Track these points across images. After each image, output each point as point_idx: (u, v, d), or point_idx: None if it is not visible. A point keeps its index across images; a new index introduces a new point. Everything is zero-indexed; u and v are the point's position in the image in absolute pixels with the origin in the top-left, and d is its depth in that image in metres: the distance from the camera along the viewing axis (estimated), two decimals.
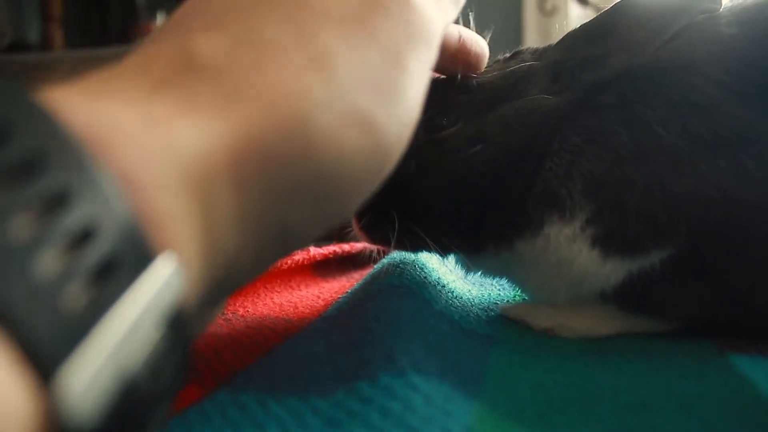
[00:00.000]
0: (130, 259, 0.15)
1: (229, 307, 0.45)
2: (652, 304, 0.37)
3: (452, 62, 0.37)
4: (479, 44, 0.38)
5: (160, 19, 2.31)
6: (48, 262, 0.13)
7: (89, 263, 0.14)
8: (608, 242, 0.35)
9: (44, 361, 0.13)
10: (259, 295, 0.49)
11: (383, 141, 0.24)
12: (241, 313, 0.44)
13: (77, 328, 0.13)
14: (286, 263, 0.53)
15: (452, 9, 0.31)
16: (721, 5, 0.36)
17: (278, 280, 0.54)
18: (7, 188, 0.13)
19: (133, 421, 0.15)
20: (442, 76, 0.41)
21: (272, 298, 0.48)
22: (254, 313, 0.44)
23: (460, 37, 0.36)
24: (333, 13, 0.23)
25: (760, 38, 0.34)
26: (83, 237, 0.14)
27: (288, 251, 0.25)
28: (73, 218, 0.14)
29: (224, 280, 0.21)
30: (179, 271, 0.17)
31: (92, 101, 0.17)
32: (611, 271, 0.35)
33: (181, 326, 0.17)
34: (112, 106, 0.18)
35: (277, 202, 0.21)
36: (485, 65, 0.39)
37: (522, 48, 0.43)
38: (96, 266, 0.14)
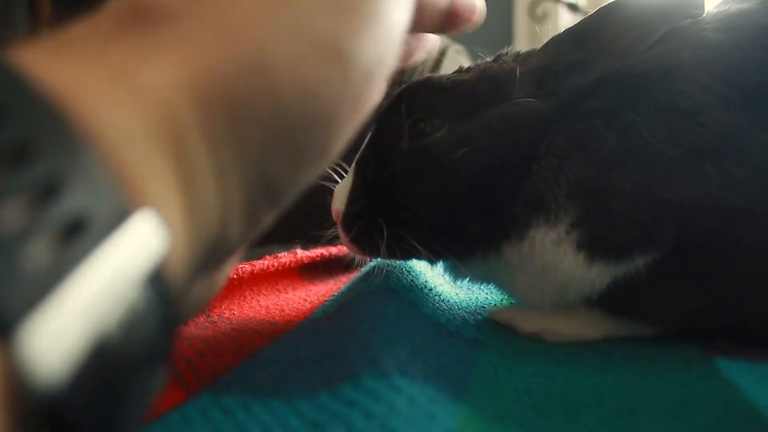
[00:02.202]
0: (102, 215, 0.15)
1: (215, 310, 0.44)
2: (638, 308, 0.37)
3: (443, 17, 0.34)
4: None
5: None
6: (8, 215, 0.13)
7: (54, 218, 0.14)
8: (593, 247, 0.35)
9: (1, 318, 0.12)
10: (245, 297, 0.49)
11: (356, 67, 0.22)
12: (227, 315, 0.43)
13: (40, 285, 0.13)
14: (273, 266, 0.53)
15: None
16: (704, 11, 0.36)
17: (265, 283, 0.53)
18: None
19: (109, 390, 0.15)
20: (417, 79, 0.41)
21: (259, 301, 0.48)
22: (240, 316, 0.43)
23: None
24: None
25: (746, 44, 0.34)
26: (48, 192, 0.14)
27: (279, 204, 0.23)
28: (36, 170, 0.13)
29: (214, 242, 0.20)
30: (159, 228, 0.16)
31: (53, 60, 0.17)
32: (596, 275, 0.35)
33: (162, 287, 0.16)
34: (73, 65, 0.17)
35: (253, 149, 0.20)
36: (479, 20, 0.36)
37: (502, 52, 0.43)
38: (63, 221, 0.14)
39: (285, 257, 0.55)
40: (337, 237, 0.43)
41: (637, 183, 0.33)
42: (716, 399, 0.28)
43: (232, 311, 0.44)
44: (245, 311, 0.45)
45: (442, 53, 1.04)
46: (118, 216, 0.15)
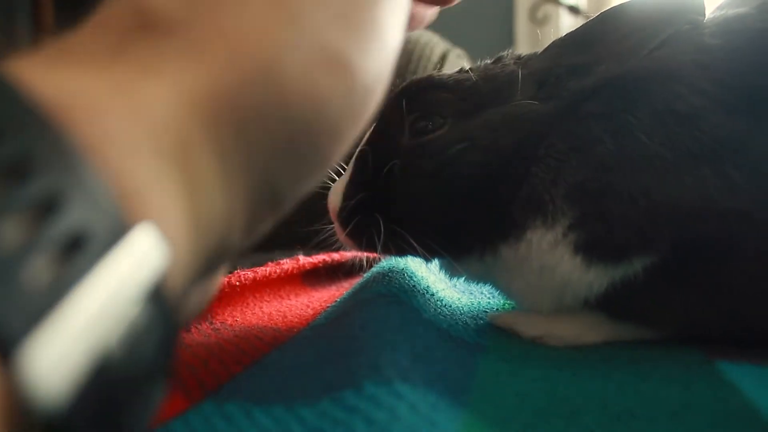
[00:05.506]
0: (101, 231, 0.14)
1: (218, 317, 0.44)
2: (637, 311, 0.37)
3: None
4: None
5: None
6: (8, 232, 0.13)
7: (54, 235, 0.13)
8: (591, 249, 0.35)
9: (2, 339, 0.12)
10: (248, 304, 0.49)
11: (360, 80, 0.23)
12: (229, 322, 0.43)
13: (41, 304, 0.13)
14: (276, 272, 0.53)
15: None
16: (705, 16, 0.36)
17: (268, 290, 0.53)
18: None
19: (111, 407, 0.14)
20: (419, 77, 0.41)
21: (261, 308, 0.48)
22: (243, 323, 0.43)
23: None
24: None
25: (743, 48, 0.34)
26: (47, 208, 0.14)
27: (279, 212, 0.24)
28: (35, 187, 0.13)
29: (216, 249, 0.20)
30: (160, 242, 0.16)
31: (55, 72, 0.17)
32: (594, 278, 0.35)
33: (163, 302, 0.16)
34: (76, 77, 0.17)
35: (259, 158, 0.21)
36: None
37: (504, 54, 0.43)
38: (63, 238, 0.14)
39: (287, 263, 0.55)
40: (336, 239, 0.43)
41: (633, 186, 0.33)
42: (718, 402, 0.28)
43: (235, 318, 0.44)
44: (248, 318, 0.45)
45: (443, 58, 1.04)
46: (118, 231, 0.15)
